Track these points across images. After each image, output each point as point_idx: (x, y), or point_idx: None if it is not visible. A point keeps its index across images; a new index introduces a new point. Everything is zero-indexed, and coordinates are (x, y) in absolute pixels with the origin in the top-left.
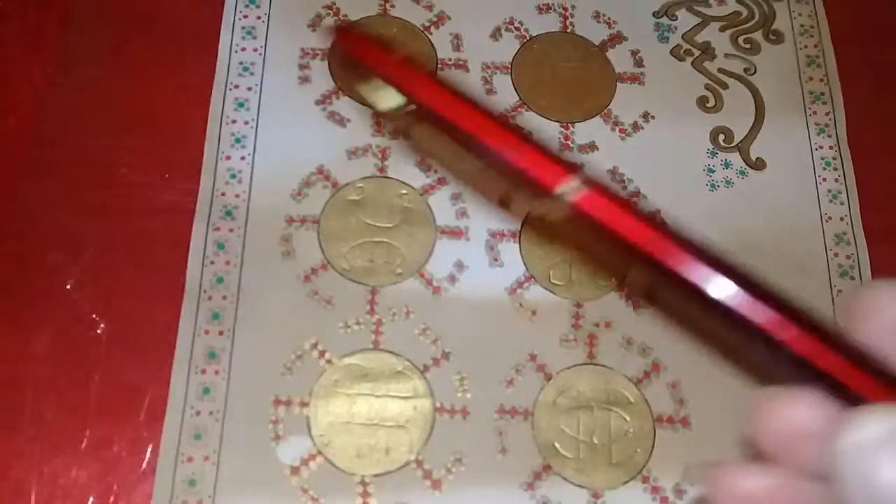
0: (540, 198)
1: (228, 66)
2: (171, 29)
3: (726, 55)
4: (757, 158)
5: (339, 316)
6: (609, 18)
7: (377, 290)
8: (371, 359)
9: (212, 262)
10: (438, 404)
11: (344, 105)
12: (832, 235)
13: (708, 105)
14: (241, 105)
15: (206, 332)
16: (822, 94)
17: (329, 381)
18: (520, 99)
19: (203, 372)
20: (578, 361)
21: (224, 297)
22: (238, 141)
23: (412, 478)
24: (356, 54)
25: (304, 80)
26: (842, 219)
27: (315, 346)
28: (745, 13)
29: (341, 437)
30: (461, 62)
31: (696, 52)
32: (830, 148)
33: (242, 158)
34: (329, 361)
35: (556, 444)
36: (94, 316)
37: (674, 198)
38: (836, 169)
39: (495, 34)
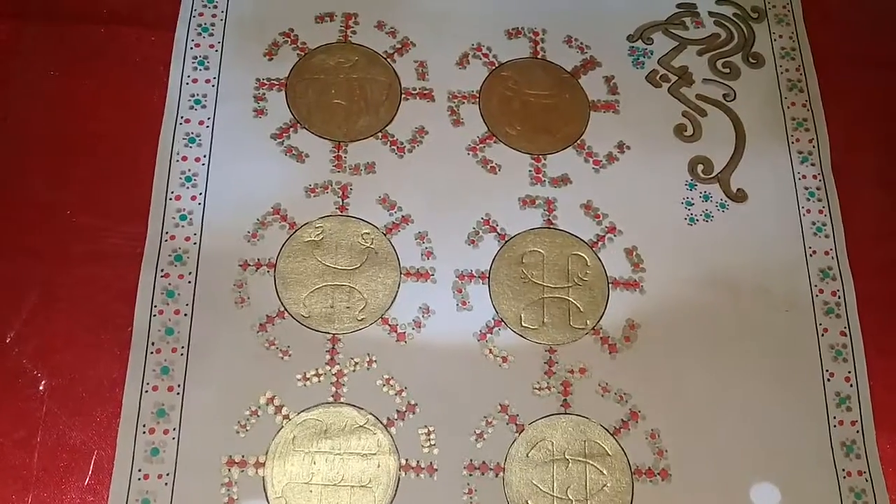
0: None
1: (179, 98)
2: (119, 59)
3: (704, 80)
4: (738, 190)
5: (297, 367)
6: (581, 43)
7: (338, 338)
8: (331, 413)
9: (160, 312)
10: (403, 461)
11: (302, 138)
12: (817, 271)
13: (686, 133)
14: (192, 140)
15: (155, 387)
16: (805, 119)
17: (286, 439)
18: (488, 130)
19: (151, 431)
20: (552, 411)
21: (174, 350)
22: (189, 179)
23: None
24: None
25: (260, 112)
26: (827, 252)
27: (271, 401)
28: (723, 35)
29: (300, 499)
30: (426, 91)
31: (673, 78)
32: (814, 177)
33: (193, 198)
34: (286, 417)
35: (530, 502)
36: (35, 372)
37: (651, 233)
38: (820, 200)
39: (462, 61)
